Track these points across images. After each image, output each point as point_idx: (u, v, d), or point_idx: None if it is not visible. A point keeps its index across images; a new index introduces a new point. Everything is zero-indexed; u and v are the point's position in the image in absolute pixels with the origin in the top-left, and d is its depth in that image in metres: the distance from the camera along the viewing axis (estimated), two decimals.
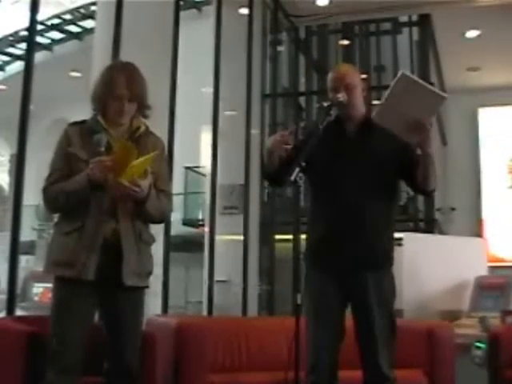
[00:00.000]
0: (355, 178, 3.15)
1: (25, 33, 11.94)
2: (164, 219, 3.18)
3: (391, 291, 3.21)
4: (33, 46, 5.67)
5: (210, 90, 8.29)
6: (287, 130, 3.10)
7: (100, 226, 2.85)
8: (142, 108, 3.06)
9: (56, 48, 15.73)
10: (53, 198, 2.92)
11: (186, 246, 12.81)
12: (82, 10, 14.90)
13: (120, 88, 2.93)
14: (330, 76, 3.31)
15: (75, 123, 3.04)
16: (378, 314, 3.11)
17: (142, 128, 3.06)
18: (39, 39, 14.37)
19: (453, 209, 13.01)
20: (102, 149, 2.83)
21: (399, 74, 3.02)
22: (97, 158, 2.79)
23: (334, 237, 3.15)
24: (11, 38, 15.74)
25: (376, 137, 3.19)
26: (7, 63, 16.90)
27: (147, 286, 3.05)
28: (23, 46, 13.59)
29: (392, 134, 3.16)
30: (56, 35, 15.70)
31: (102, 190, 2.82)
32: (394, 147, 3.16)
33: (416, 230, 9.68)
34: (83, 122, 3.04)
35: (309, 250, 3.30)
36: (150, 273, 3.05)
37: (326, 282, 3.16)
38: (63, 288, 2.87)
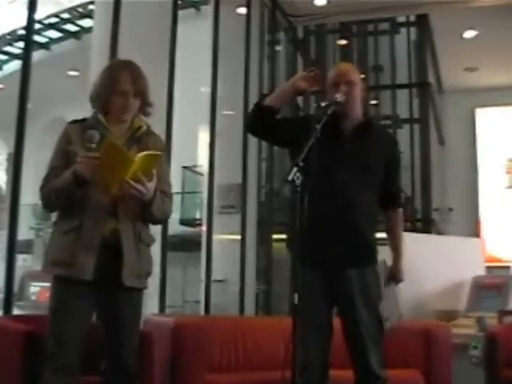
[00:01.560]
0: (346, 178, 3.17)
1: (22, 31, 11.91)
2: (166, 220, 3.17)
3: (376, 288, 3.23)
4: (30, 45, 5.65)
5: (207, 89, 8.29)
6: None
7: (99, 226, 2.84)
8: (145, 105, 3.05)
9: (54, 47, 15.72)
10: (47, 197, 2.91)
11: (184, 246, 12.80)
12: (80, 9, 14.89)
13: (125, 83, 2.93)
14: (331, 72, 3.34)
15: (75, 121, 3.03)
16: (364, 313, 3.14)
17: (144, 128, 3.05)
18: (37, 38, 14.37)
19: (450, 209, 13.01)
20: (93, 145, 2.78)
21: None
22: (85, 154, 2.76)
23: (323, 234, 3.18)
24: (9, 37, 15.73)
25: (371, 138, 3.26)
26: (5, 62, 16.88)
27: (146, 287, 3.05)
28: (21, 44, 13.56)
29: (387, 140, 3.30)
30: (54, 34, 15.68)
31: (88, 186, 2.79)
32: (385, 153, 3.30)
33: (413, 230, 9.67)
34: (84, 120, 3.02)
35: (299, 247, 3.31)
36: (149, 273, 3.05)
37: (314, 279, 3.18)
38: (61, 287, 2.86)
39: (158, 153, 2.85)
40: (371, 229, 3.29)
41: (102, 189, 2.81)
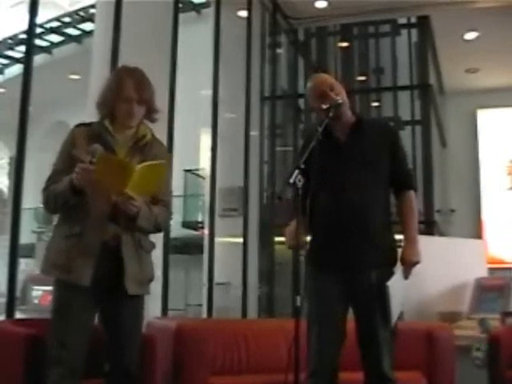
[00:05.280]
0: (352, 178, 3.17)
1: (24, 36, 11.94)
2: (161, 230, 3.13)
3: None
4: (32, 49, 5.66)
5: (209, 92, 8.30)
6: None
7: (99, 233, 2.84)
8: (151, 112, 3.06)
9: (55, 51, 15.76)
10: (46, 199, 2.91)
11: (186, 249, 12.82)
12: (81, 13, 14.95)
13: (129, 90, 2.93)
14: (310, 85, 3.32)
15: (82, 125, 3.03)
16: (380, 315, 3.11)
17: (148, 136, 3.05)
18: (38, 42, 14.40)
19: (452, 210, 13.01)
20: (95, 160, 2.73)
21: None
22: (84, 165, 2.73)
23: (337, 237, 3.17)
24: (10, 41, 15.77)
25: (366, 134, 3.28)
26: (6, 66, 16.92)
27: (149, 293, 3.06)
28: (22, 48, 13.60)
29: (383, 130, 3.35)
30: (55, 38, 15.73)
31: (84, 195, 2.77)
32: (385, 143, 3.28)
33: None
34: (90, 124, 3.02)
35: (312, 252, 3.30)
36: (151, 280, 3.05)
37: (330, 283, 3.16)
38: (62, 292, 2.86)
39: (161, 162, 2.83)
40: (384, 228, 3.25)
41: (102, 198, 2.81)
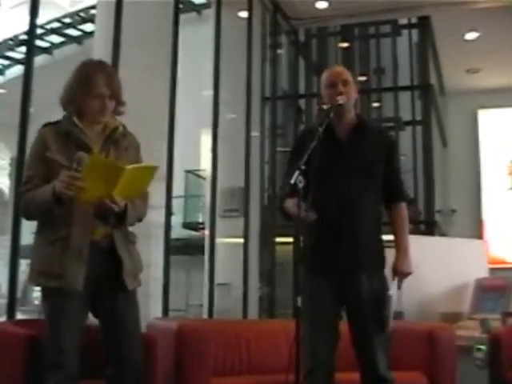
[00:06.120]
0: (348, 179, 3.18)
1: (24, 36, 11.94)
2: (141, 221, 3.12)
3: (384, 291, 3.22)
4: (32, 50, 5.67)
5: (209, 93, 8.30)
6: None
7: (87, 234, 2.80)
8: (118, 105, 3.01)
9: (56, 52, 15.73)
10: (25, 207, 2.86)
11: (187, 249, 12.80)
12: (82, 14, 14.93)
13: (101, 87, 2.89)
14: (325, 74, 3.35)
15: (50, 124, 2.95)
16: (376, 322, 3.12)
17: (120, 129, 3.01)
18: (39, 43, 14.39)
19: (453, 210, 12.99)
20: (80, 168, 2.67)
21: None
22: (68, 173, 2.67)
23: (330, 238, 3.17)
24: (11, 42, 15.75)
25: (367, 137, 3.28)
26: (7, 67, 16.90)
27: (140, 285, 3.05)
28: (23, 49, 13.60)
29: (382, 136, 3.37)
30: (56, 39, 15.72)
31: (67, 203, 2.72)
32: (382, 149, 3.29)
33: (416, 232, 9.65)
34: (57, 122, 2.95)
35: (306, 252, 3.30)
36: (141, 271, 3.05)
37: (323, 284, 3.17)
38: (54, 300, 2.82)
39: (153, 165, 2.82)
40: (377, 231, 3.28)
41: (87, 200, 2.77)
